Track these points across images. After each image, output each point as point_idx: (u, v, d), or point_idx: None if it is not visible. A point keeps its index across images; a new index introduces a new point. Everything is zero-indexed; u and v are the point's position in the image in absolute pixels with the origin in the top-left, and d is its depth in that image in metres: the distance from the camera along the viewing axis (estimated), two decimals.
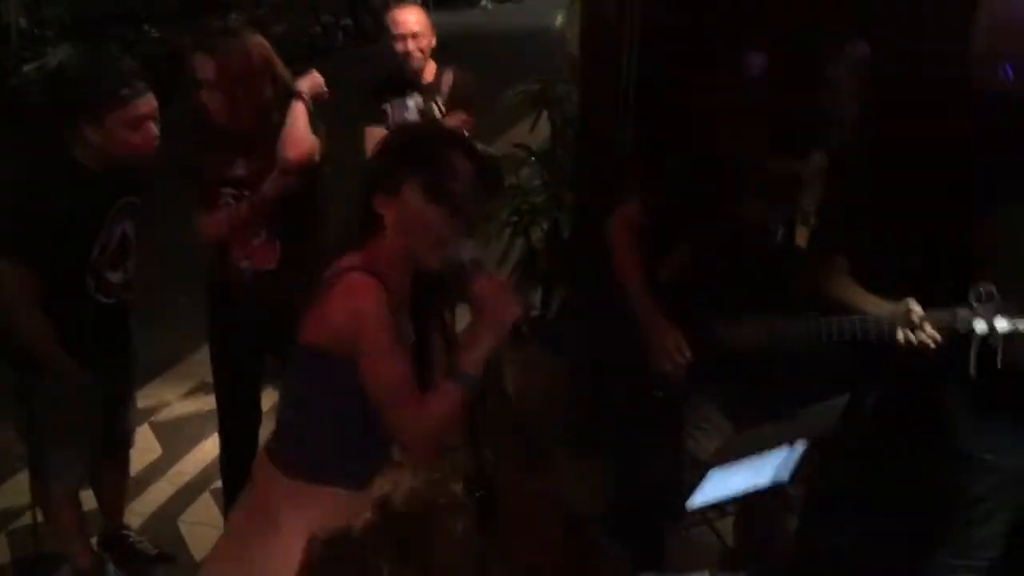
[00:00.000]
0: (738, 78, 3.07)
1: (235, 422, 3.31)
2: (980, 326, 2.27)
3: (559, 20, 5.05)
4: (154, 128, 2.78)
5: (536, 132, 4.81)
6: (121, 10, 11.28)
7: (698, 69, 3.10)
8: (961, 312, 2.30)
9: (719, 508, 2.04)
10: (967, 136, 2.40)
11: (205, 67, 2.91)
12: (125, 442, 3.34)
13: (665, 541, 2.74)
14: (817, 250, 2.53)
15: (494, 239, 4.64)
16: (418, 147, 1.94)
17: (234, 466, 3.34)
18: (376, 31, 14.50)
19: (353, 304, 1.87)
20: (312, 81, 3.07)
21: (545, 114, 4.65)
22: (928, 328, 2.32)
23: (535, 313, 4.79)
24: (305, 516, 1.97)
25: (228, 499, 3.40)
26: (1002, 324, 2.25)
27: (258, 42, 2.98)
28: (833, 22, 2.73)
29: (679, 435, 2.71)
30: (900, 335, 2.33)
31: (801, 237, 2.52)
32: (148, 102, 2.75)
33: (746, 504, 2.25)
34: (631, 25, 3.24)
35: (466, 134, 3.92)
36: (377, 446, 2.05)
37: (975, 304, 2.28)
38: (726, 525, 2.56)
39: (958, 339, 2.32)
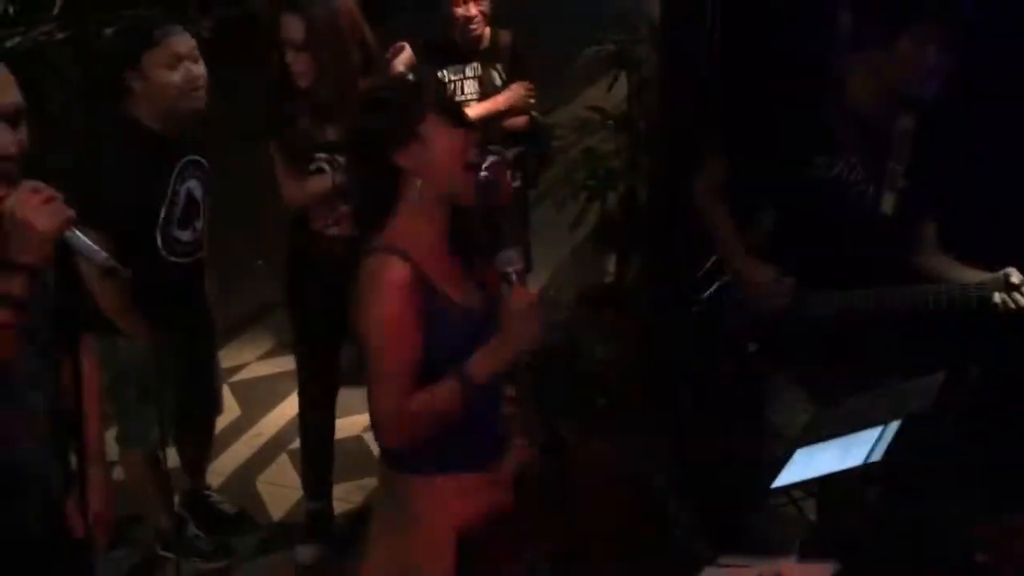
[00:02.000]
0: (825, 33, 2.96)
1: (314, 385, 3.32)
2: None
3: None
4: (194, 68, 2.75)
5: (612, 94, 4.71)
6: None
7: (783, 27, 2.99)
8: None
9: (805, 487, 1.98)
10: None
11: (293, 28, 2.86)
12: (210, 405, 3.37)
13: (745, 516, 2.68)
14: (905, 216, 2.44)
15: (568, 203, 4.60)
16: (415, 84, 1.98)
17: (313, 428, 3.37)
18: None
19: (366, 290, 1.86)
20: (407, 57, 3.01)
21: (622, 76, 4.55)
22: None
23: (609, 279, 4.75)
24: (447, 509, 1.97)
25: (306, 461, 3.43)
26: None
27: (347, 5, 2.93)
28: None
29: (758, 406, 2.66)
30: (997, 298, 2.26)
31: (888, 203, 2.44)
32: (183, 41, 2.73)
33: (831, 481, 2.19)
34: None
35: (531, 102, 3.83)
36: (489, 421, 2.02)
37: None
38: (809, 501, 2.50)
39: None
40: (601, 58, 4.62)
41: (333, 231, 3.05)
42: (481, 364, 1.86)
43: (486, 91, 3.76)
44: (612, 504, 3.37)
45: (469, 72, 3.77)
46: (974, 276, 2.38)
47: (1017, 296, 2.25)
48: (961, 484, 2.64)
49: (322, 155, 2.99)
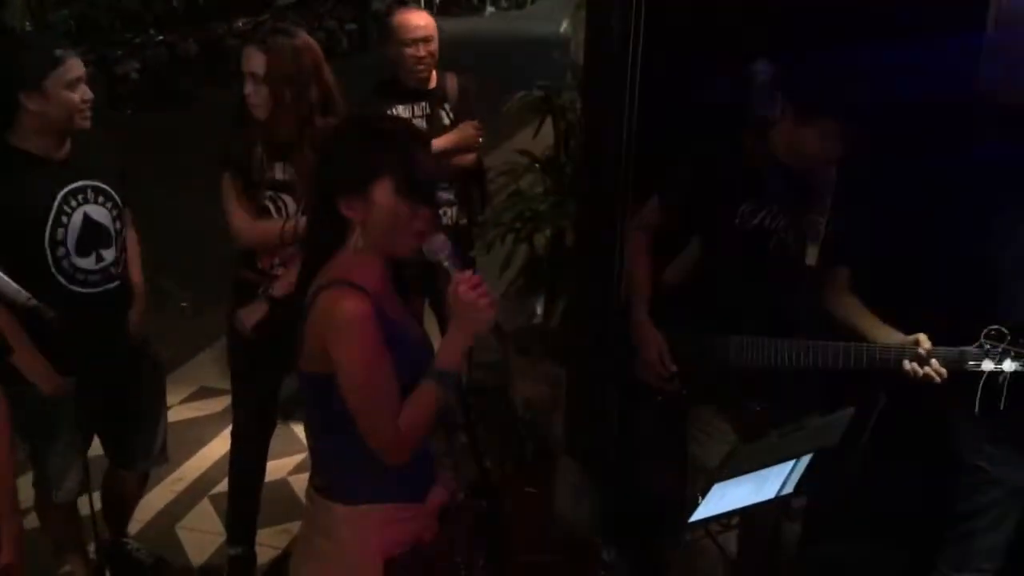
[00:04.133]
0: (744, 84, 3.06)
1: (250, 423, 3.28)
2: (987, 366, 2.27)
3: (563, 27, 5.04)
4: (87, 90, 2.77)
5: (540, 139, 4.80)
6: (126, 14, 11.36)
7: (703, 76, 3.09)
8: (970, 351, 2.30)
9: (723, 521, 2.02)
10: (989, 159, 2.40)
11: (254, 61, 2.89)
12: (146, 455, 3.22)
13: (667, 553, 2.72)
14: (827, 264, 2.51)
15: (497, 245, 4.65)
16: (383, 142, 1.90)
17: (244, 468, 3.33)
18: (381, 37, 14.58)
19: (329, 321, 1.84)
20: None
21: (549, 121, 4.64)
22: (935, 363, 2.31)
23: (537, 321, 4.79)
24: (375, 538, 1.97)
25: (232, 503, 3.37)
26: (1010, 365, 2.25)
27: (310, 44, 2.97)
28: (841, 27, 2.71)
29: (681, 444, 2.70)
30: (907, 366, 2.33)
31: (811, 254, 2.50)
32: (78, 64, 2.76)
33: (749, 516, 2.24)
34: (636, 32, 3.22)
35: (480, 141, 3.94)
36: (420, 453, 2.01)
37: (985, 344, 2.28)
38: (728, 536, 2.55)
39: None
40: (529, 103, 4.70)
41: (280, 270, 3.04)
42: (446, 357, 1.90)
43: (435, 130, 3.87)
44: (539, 544, 3.39)
45: (418, 111, 3.90)
46: (883, 330, 2.44)
47: (927, 368, 2.31)
48: (872, 519, 2.72)
49: (269, 193, 3.00)
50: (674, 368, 2.58)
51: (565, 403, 3.82)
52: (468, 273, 1.89)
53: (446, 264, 1.89)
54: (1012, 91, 2.59)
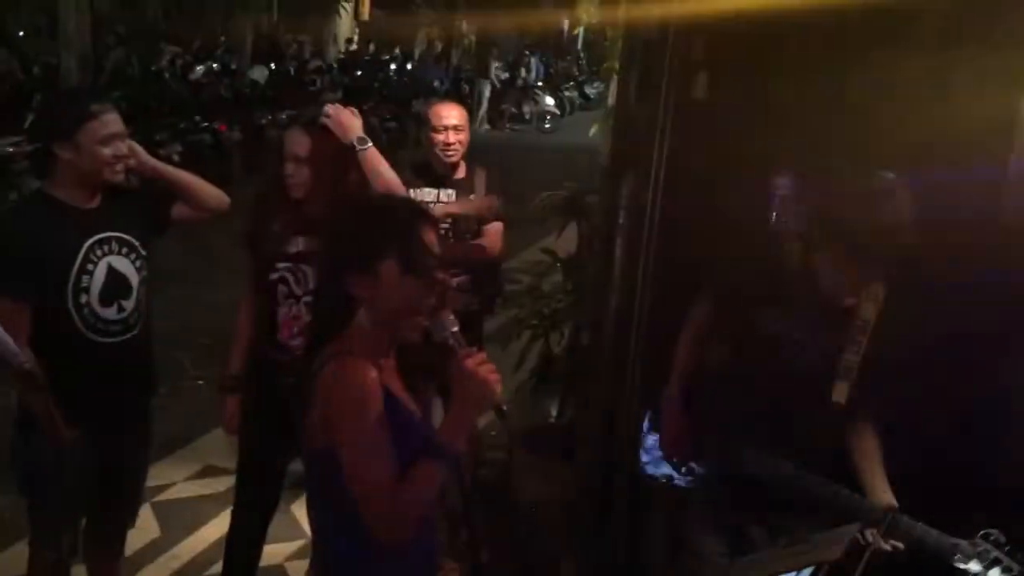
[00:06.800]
0: (769, 198, 3.07)
1: (252, 505, 3.26)
2: (975, 567, 2.16)
3: (592, 130, 5.13)
4: (121, 146, 2.81)
5: (566, 241, 4.84)
6: (175, 100, 11.72)
7: (727, 186, 3.11)
8: (962, 546, 2.20)
9: None
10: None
11: (299, 143, 3.03)
12: (126, 520, 3.19)
13: None
14: (849, 403, 2.40)
15: (513, 342, 4.64)
16: (390, 223, 1.93)
17: (242, 550, 3.30)
18: (419, 136, 14.99)
19: (332, 393, 1.84)
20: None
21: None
22: (893, 541, 2.23)
23: (551, 420, 4.74)
24: None
25: None
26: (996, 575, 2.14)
27: None
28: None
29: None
30: (867, 535, 2.22)
31: (839, 392, 2.39)
32: (115, 120, 2.80)
33: None
34: (660, 139, 3.25)
35: (493, 213, 3.96)
36: (426, 542, 1.98)
37: (979, 545, 2.17)
38: None
39: None
40: (554, 204, 4.75)
41: (296, 342, 3.04)
42: (449, 433, 1.86)
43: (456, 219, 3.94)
44: None
45: (444, 197, 3.96)
46: (876, 491, 2.35)
47: (880, 541, 2.22)
48: None
49: (284, 264, 3.07)
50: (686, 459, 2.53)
51: (572, 504, 3.75)
52: (473, 350, 1.89)
53: (452, 342, 1.89)
54: None
